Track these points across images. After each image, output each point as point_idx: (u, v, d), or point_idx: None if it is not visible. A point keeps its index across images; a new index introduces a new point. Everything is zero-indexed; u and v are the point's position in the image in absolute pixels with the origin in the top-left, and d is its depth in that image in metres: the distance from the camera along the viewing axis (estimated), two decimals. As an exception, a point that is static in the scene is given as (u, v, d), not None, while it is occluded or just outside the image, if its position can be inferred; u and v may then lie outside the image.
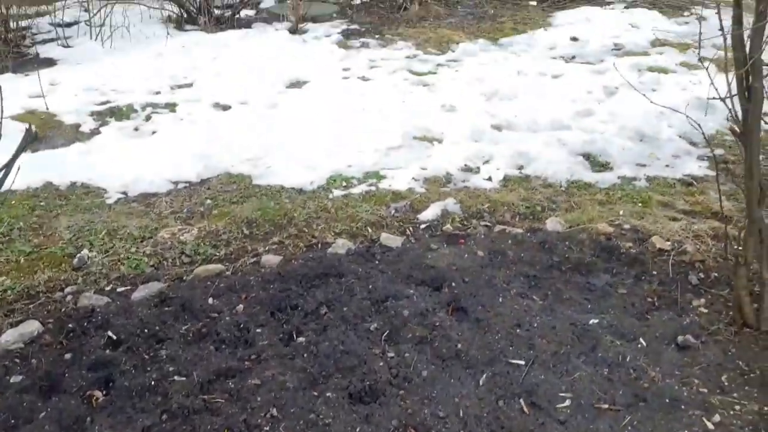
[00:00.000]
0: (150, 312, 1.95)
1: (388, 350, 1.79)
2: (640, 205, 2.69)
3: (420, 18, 5.90)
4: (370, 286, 2.05)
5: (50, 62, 4.57)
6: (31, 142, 1.70)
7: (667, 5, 6.31)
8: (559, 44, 5.09)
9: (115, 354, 1.78)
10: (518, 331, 1.87)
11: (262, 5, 6.26)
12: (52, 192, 2.81)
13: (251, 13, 5.97)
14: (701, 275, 2.13)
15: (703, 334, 1.86)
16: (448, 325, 1.88)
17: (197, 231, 2.49)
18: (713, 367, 1.74)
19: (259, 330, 1.87)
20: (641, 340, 1.85)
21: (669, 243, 2.30)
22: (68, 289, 2.11)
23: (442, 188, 2.94)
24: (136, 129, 3.51)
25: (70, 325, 1.90)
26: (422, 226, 2.57)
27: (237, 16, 5.61)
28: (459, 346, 1.80)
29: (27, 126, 1.83)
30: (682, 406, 1.61)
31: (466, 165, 3.19)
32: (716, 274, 2.12)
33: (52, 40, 5.00)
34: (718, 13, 1.76)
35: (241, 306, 1.98)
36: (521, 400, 1.63)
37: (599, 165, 3.16)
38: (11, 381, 1.69)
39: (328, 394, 1.62)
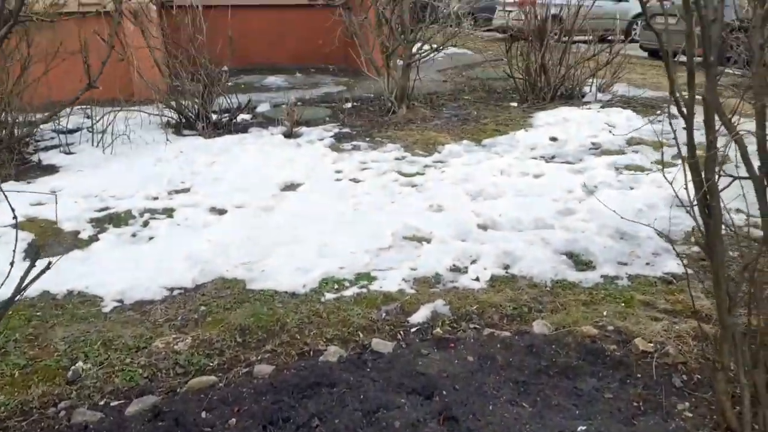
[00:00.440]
0: (143, 428, 1.96)
1: (380, 464, 1.79)
2: (622, 305, 2.77)
3: (408, 121, 6.23)
4: (362, 396, 2.08)
5: (52, 169, 4.75)
6: (34, 260, 1.79)
7: (640, 104, 6.73)
8: (540, 144, 5.37)
9: (106, 474, 1.78)
10: (509, 440, 1.89)
11: (258, 110, 6.61)
12: (48, 301, 2.86)
13: (248, 117, 6.28)
14: (684, 377, 2.19)
15: (690, 440, 1.88)
16: (439, 436, 1.90)
17: (191, 340, 2.53)
18: (702, 475, 1.76)
19: (251, 444, 1.88)
20: (630, 447, 1.87)
21: (651, 345, 2.36)
22: (62, 405, 2.12)
23: (431, 289, 3.02)
24: (134, 235, 3.62)
25: (62, 443, 1.90)
26: (413, 329, 2.63)
27: (234, 120, 5.90)
28: (450, 457, 1.81)
29: (30, 241, 1.93)
30: None
31: (454, 265, 3.29)
32: (699, 376, 2.17)
33: (54, 146, 5.22)
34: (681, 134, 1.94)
35: (234, 420, 2.00)
36: None
37: (582, 264, 3.27)
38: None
39: None
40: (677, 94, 1.73)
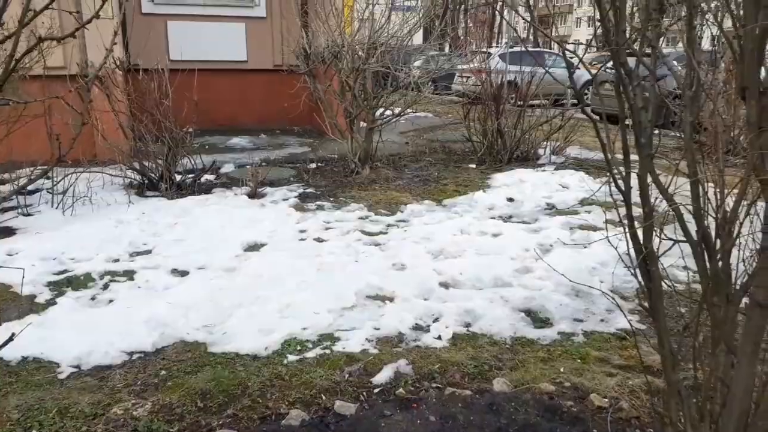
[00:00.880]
0: (98, 499, 1.90)
1: None
2: (579, 361, 2.86)
3: (371, 181, 6.39)
4: (325, 459, 2.08)
5: (9, 231, 4.67)
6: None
7: (592, 166, 7.07)
8: (497, 205, 5.57)
9: None
10: (470, 500, 1.91)
11: (223, 170, 6.68)
12: (1, 368, 2.78)
13: (212, 178, 6.34)
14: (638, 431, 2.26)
15: (645, 494, 1.94)
16: (401, 498, 1.90)
17: (151, 405, 2.49)
18: None
19: None
20: (588, 503, 1.91)
21: (606, 400, 2.44)
22: (12, 477, 2.05)
23: (394, 348, 3.06)
24: (93, 298, 3.57)
25: None
26: (376, 390, 2.64)
27: (198, 181, 5.94)
28: None
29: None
30: None
31: (417, 324, 3.34)
32: (651, 431, 2.25)
33: (12, 208, 5.14)
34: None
35: (193, 487, 1.96)
36: None
37: (540, 321, 3.37)
38: None
39: None
40: (613, 171, 1.89)
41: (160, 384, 2.68)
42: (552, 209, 5.47)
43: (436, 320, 3.38)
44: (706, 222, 1.96)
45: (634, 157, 1.92)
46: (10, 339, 1.64)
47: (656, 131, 2.22)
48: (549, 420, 2.35)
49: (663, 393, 2.00)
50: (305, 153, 7.72)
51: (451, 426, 2.32)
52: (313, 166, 6.94)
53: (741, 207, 1.86)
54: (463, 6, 34.95)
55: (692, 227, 1.95)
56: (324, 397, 2.56)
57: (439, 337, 3.18)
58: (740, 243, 1.94)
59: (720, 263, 1.92)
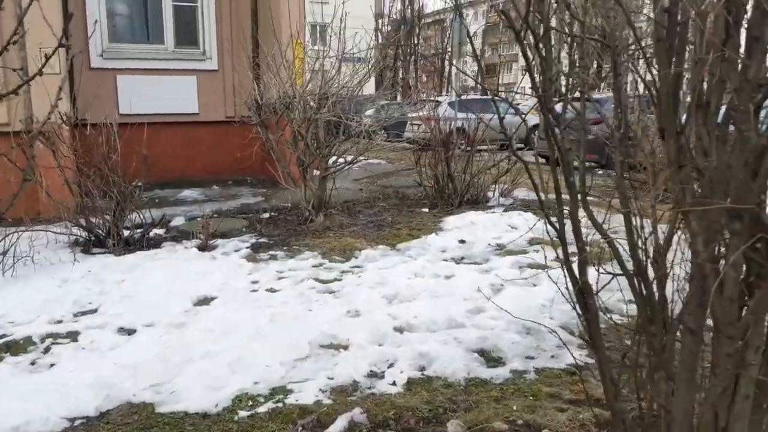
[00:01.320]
0: None
1: None
2: (531, 398, 2.89)
3: (325, 228, 6.40)
4: None
5: (-56, 295, 4.45)
6: None
7: (538, 207, 7.28)
8: (449, 247, 5.66)
9: None
10: None
11: (173, 224, 6.58)
12: (-71, 444, 2.61)
13: (161, 232, 6.23)
14: (590, 466, 2.28)
15: None
16: None
17: (92, 473, 2.37)
18: None
19: None
20: None
21: (558, 436, 2.47)
22: None
23: (349, 397, 3.02)
24: (33, 363, 3.41)
25: None
26: (329, 441, 2.60)
27: (147, 236, 5.83)
28: None
29: None
30: None
31: (371, 370, 3.32)
32: (602, 464, 2.28)
33: (-52, 271, 4.92)
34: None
35: None
36: None
37: (493, 360, 3.40)
38: None
39: None
40: (548, 212, 1.98)
41: (103, 449, 2.56)
42: (502, 249, 5.59)
43: (390, 366, 3.36)
44: (641, 254, 2.05)
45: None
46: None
47: (600, 171, 2.34)
48: (502, 460, 2.35)
49: (609, 424, 2.04)
50: (258, 203, 7.70)
51: (405, 473, 2.29)
52: (267, 215, 6.92)
53: (673, 238, 1.97)
54: (413, 56, 36.19)
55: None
56: (276, 452, 2.50)
57: (394, 383, 3.16)
58: (673, 273, 2.04)
59: (656, 293, 2.02)
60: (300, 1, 8.66)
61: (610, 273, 2.15)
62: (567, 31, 1.95)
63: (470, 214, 6.84)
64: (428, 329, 3.86)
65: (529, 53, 1.92)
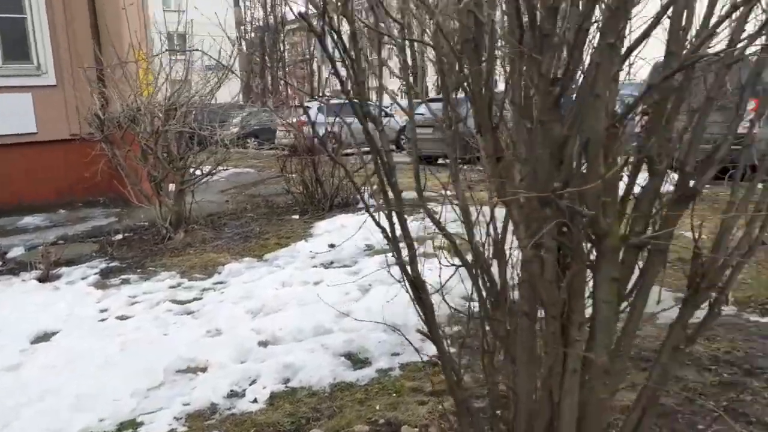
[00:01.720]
0: None
1: None
2: (394, 395, 2.87)
3: (186, 245, 6.04)
4: None
5: None
6: None
7: (407, 205, 7.42)
8: (319, 252, 5.56)
9: None
10: None
11: (10, 255, 5.87)
12: None
13: (-5, 265, 5.53)
14: (448, 455, 2.29)
15: None
16: None
17: None
18: None
19: None
20: None
21: (417, 429, 2.45)
22: None
23: (206, 422, 2.82)
24: None
25: None
26: (181, 473, 2.39)
27: (-25, 272, 5.14)
28: None
29: None
30: None
31: (231, 390, 3.13)
32: (459, 451, 2.29)
33: None
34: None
35: None
36: None
37: (360, 362, 3.35)
38: None
39: None
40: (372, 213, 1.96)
41: None
42: (371, 250, 5.60)
43: (253, 382, 3.19)
44: (479, 245, 2.09)
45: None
46: None
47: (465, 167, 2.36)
48: (362, 464, 2.29)
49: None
50: (111, 224, 7.10)
51: (261, 495, 2.15)
52: (120, 237, 6.39)
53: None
54: (280, 63, 35.72)
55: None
56: (117, 496, 2.25)
57: (255, 400, 3.00)
58: (512, 260, 2.09)
59: (498, 281, 2.06)
60: (140, 10, 8.15)
61: (455, 265, 2.18)
62: (388, 34, 1.93)
63: (341, 217, 6.80)
64: (295, 339, 3.73)
65: (338, 55, 1.88)
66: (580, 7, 1.54)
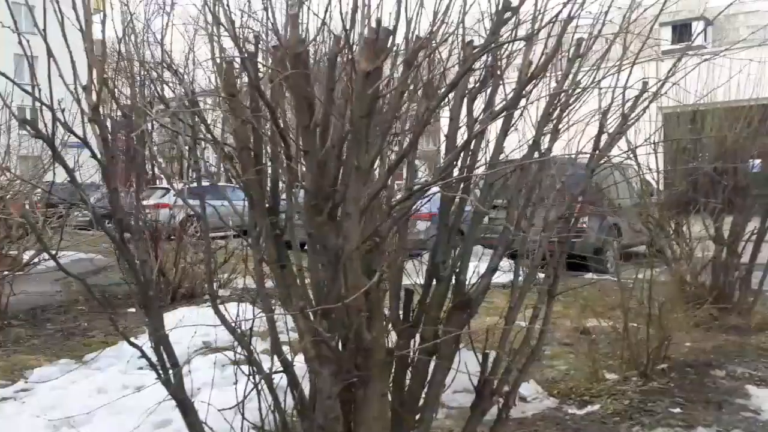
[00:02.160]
0: None
1: None
2: None
3: (-7, 342, 5.29)
4: None
5: None
6: None
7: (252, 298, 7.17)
8: (148, 351, 5.10)
9: None
10: None
11: None
12: None
13: None
14: None
15: None
16: None
17: None
18: None
19: None
20: None
21: None
22: None
23: None
24: None
25: None
26: None
27: None
28: None
29: None
30: None
31: None
32: None
33: None
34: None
35: None
36: None
37: (167, 483, 3.01)
38: None
39: None
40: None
41: None
42: (209, 347, 5.24)
43: None
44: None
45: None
46: None
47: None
48: None
49: None
50: None
51: None
52: None
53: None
54: (147, 143, 34.32)
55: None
56: None
57: None
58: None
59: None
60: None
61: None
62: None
63: (183, 309, 6.36)
64: (96, 456, 3.30)
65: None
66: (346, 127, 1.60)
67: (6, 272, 5.72)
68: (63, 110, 1.78)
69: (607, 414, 3.77)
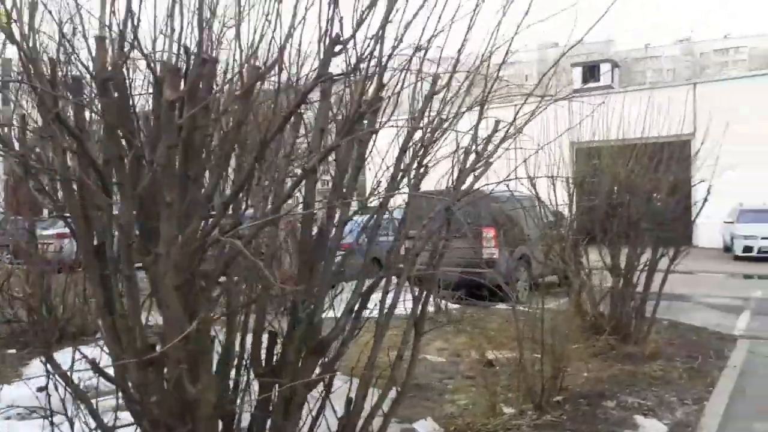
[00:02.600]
0: None
1: None
2: None
3: None
4: None
5: None
6: None
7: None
8: (22, 397, 4.63)
9: None
10: None
11: None
12: None
13: None
14: None
15: None
16: None
17: None
18: None
19: None
20: None
21: None
22: None
23: None
24: None
25: None
26: None
27: None
28: None
29: None
30: None
31: None
32: None
33: None
34: None
35: None
36: None
37: None
38: None
39: None
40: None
41: None
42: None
43: None
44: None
45: None
46: None
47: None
48: None
49: None
50: None
51: None
52: None
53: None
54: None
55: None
56: None
57: None
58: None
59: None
60: None
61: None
62: None
63: (69, 351, 5.86)
64: None
65: None
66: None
67: None
68: None
69: (499, 451, 3.72)
